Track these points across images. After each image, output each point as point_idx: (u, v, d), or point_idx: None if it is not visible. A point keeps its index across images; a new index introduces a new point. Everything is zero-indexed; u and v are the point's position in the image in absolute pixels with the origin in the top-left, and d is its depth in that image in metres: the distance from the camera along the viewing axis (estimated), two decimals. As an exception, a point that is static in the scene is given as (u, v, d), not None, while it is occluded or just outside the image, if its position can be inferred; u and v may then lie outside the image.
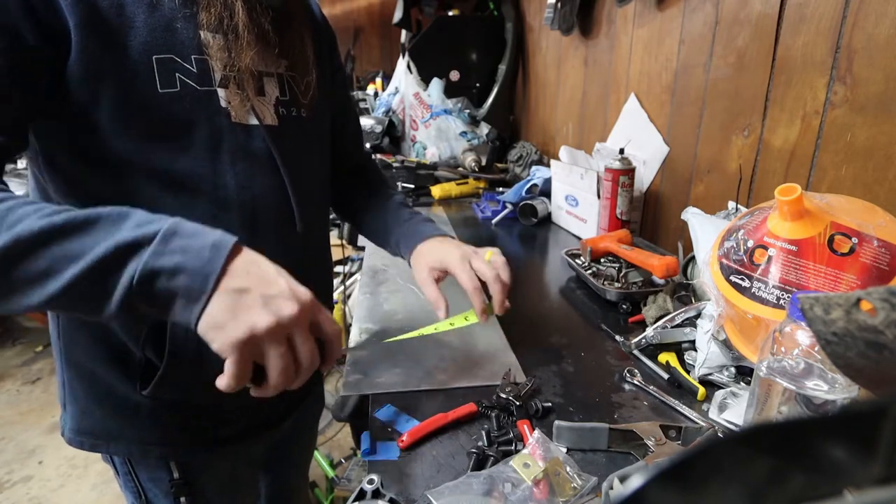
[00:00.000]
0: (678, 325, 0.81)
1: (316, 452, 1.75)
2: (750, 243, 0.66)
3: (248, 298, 0.42)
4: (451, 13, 2.50)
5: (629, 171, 1.24)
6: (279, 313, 0.43)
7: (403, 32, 2.70)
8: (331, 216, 0.93)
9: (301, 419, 0.87)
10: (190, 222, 0.44)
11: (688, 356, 0.77)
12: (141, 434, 0.65)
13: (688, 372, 0.73)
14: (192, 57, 0.57)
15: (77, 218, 0.42)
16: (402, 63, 2.35)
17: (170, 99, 0.55)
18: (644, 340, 0.80)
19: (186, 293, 0.42)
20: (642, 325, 0.89)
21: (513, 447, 0.59)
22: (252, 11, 0.59)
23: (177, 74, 0.55)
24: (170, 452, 0.66)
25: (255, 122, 0.62)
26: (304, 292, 0.46)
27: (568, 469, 0.54)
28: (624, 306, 0.96)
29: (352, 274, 2.46)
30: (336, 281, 2.46)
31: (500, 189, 1.90)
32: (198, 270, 0.41)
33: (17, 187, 2.53)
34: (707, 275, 0.71)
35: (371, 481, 0.52)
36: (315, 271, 0.78)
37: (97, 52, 0.51)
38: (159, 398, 0.62)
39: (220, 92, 0.59)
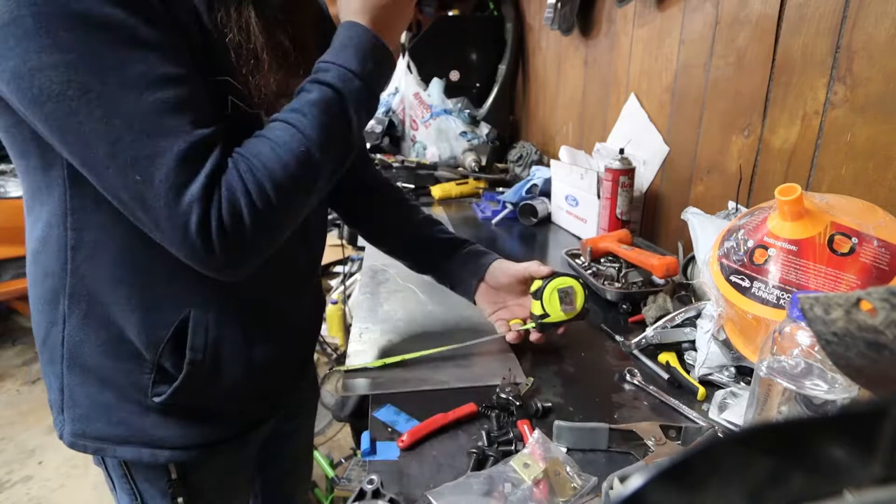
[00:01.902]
0: (678, 325, 0.81)
1: (316, 452, 1.75)
2: (750, 243, 0.66)
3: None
4: (451, 13, 2.49)
5: (629, 171, 1.24)
6: None
7: (403, 32, 2.69)
8: (331, 216, 0.93)
9: (296, 411, 0.91)
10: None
11: (688, 356, 0.77)
12: (151, 438, 0.65)
13: (688, 372, 0.73)
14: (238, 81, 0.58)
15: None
16: (402, 63, 2.35)
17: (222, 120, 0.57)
18: (644, 340, 0.80)
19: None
20: (642, 325, 0.89)
21: (513, 447, 0.59)
22: (270, 27, 0.60)
23: (229, 97, 0.57)
24: (178, 455, 0.66)
25: None
26: None
27: (568, 469, 0.54)
28: (624, 306, 0.96)
29: (352, 274, 2.46)
30: (336, 281, 2.46)
31: (500, 189, 1.90)
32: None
33: (17, 188, 2.52)
34: (707, 275, 0.71)
35: (371, 481, 0.52)
36: (317, 277, 0.83)
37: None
38: (171, 404, 0.63)
39: (262, 115, 0.61)
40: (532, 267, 0.80)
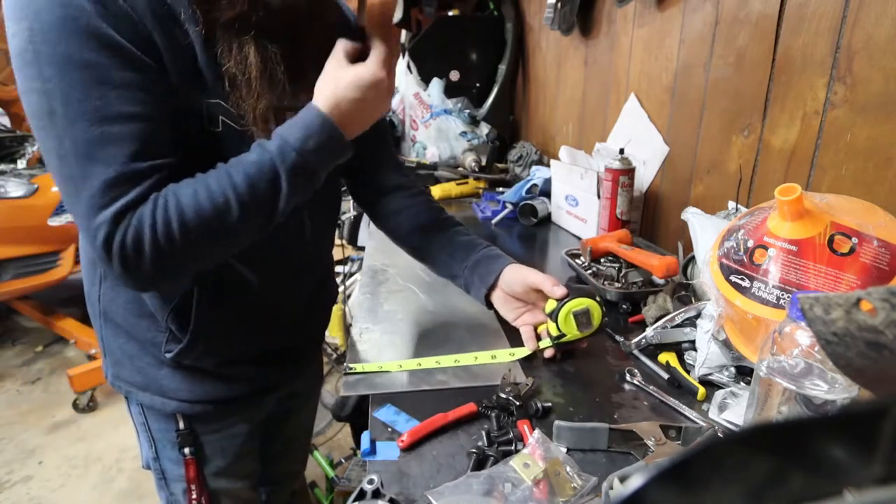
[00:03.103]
0: (678, 325, 0.81)
1: (316, 452, 1.75)
2: (750, 243, 0.66)
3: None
4: (451, 13, 2.49)
5: (629, 171, 1.24)
6: None
7: (403, 32, 2.69)
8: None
9: (297, 393, 0.98)
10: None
11: (688, 356, 0.77)
12: (163, 388, 0.76)
13: (688, 372, 0.73)
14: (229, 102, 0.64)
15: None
16: (402, 63, 2.35)
17: (214, 137, 0.64)
18: (644, 340, 0.80)
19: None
20: (642, 325, 0.89)
21: (513, 447, 0.59)
22: (266, 61, 0.64)
23: (220, 117, 0.64)
24: (184, 407, 0.77)
25: None
26: None
27: (568, 469, 0.54)
28: (624, 306, 0.96)
29: (352, 274, 2.46)
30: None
31: (500, 189, 1.90)
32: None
33: (16, 188, 2.53)
34: (707, 275, 0.71)
35: (371, 481, 0.52)
36: (318, 274, 0.89)
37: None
38: (180, 362, 0.74)
39: (255, 131, 0.66)
40: (546, 286, 0.78)
